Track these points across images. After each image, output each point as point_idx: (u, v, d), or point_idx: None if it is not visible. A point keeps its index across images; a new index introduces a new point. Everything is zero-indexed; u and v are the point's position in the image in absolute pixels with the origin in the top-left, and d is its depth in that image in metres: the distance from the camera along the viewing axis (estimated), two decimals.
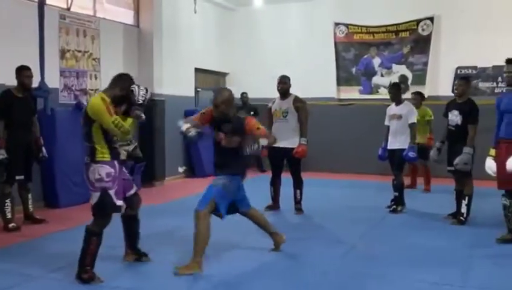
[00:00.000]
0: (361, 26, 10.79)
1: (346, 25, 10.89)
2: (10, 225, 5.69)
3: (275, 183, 6.87)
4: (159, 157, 9.12)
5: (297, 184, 6.73)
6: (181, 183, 9.51)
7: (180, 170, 9.88)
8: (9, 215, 5.73)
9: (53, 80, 6.97)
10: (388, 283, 4.13)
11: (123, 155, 7.62)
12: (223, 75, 11.76)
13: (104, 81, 7.98)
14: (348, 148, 10.67)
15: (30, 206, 6.08)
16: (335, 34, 10.95)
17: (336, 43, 11.00)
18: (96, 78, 8.09)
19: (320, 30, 11.04)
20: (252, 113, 10.48)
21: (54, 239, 5.41)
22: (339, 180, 9.77)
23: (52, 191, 6.99)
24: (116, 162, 4.00)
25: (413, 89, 9.51)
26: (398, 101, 6.79)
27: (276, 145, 6.47)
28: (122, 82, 4.06)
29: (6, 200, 5.72)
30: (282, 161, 6.78)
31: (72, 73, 7.64)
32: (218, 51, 11.26)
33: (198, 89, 10.75)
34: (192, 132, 4.46)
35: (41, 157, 6.13)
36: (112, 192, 3.93)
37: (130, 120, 4.02)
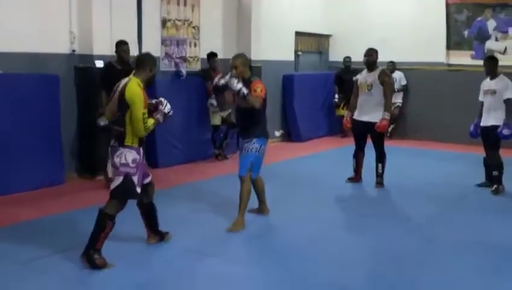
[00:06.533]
0: None
1: None
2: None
3: (358, 156, 6.89)
4: None
5: (380, 158, 6.68)
6: (274, 147, 9.70)
7: (277, 134, 10.17)
8: (110, 175, 6.46)
9: (155, 49, 7.47)
10: (428, 265, 4.17)
11: (218, 121, 8.25)
12: (326, 37, 11.63)
13: (203, 49, 8.48)
14: (455, 117, 10.04)
15: None
16: None
17: (447, 4, 10.28)
18: (195, 45, 8.55)
19: None
20: (354, 79, 10.30)
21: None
22: (441, 151, 9.39)
23: (152, 152, 7.67)
24: (141, 149, 4.09)
25: None
26: (494, 75, 6.42)
27: (359, 118, 6.66)
28: (150, 63, 4.17)
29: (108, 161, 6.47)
30: (365, 135, 6.75)
31: (172, 41, 8.17)
32: (321, 13, 11.12)
33: (298, 53, 10.82)
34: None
35: None
36: (134, 178, 4.01)
37: (152, 121, 4.10)
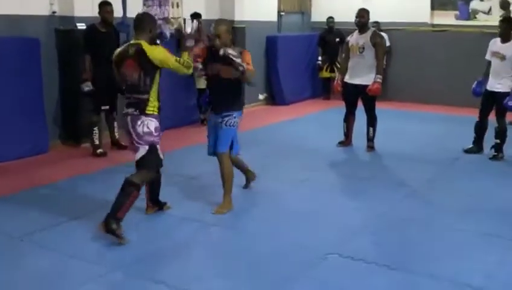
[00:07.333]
0: None
1: None
2: (98, 151, 6.27)
3: (348, 120, 6.84)
4: None
5: (371, 121, 6.65)
6: (259, 111, 9.54)
7: (261, 97, 10.01)
8: (97, 142, 6.29)
9: (136, 10, 7.15)
10: (431, 230, 4.21)
11: (203, 84, 8.03)
12: None
13: (186, 10, 8.18)
14: (439, 77, 10.08)
15: (116, 134, 6.61)
16: None
17: None
18: (178, 6, 8.24)
19: None
20: (337, 40, 10.17)
21: None
22: (425, 112, 9.37)
23: None
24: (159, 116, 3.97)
25: None
26: (506, 38, 6.13)
27: (350, 81, 6.56)
28: (149, 23, 3.94)
29: (94, 128, 6.26)
30: (356, 98, 6.67)
31: (154, 2, 7.83)
32: None
33: (281, 13, 10.56)
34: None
35: None
36: (159, 146, 3.94)
37: (185, 54, 3.99)
